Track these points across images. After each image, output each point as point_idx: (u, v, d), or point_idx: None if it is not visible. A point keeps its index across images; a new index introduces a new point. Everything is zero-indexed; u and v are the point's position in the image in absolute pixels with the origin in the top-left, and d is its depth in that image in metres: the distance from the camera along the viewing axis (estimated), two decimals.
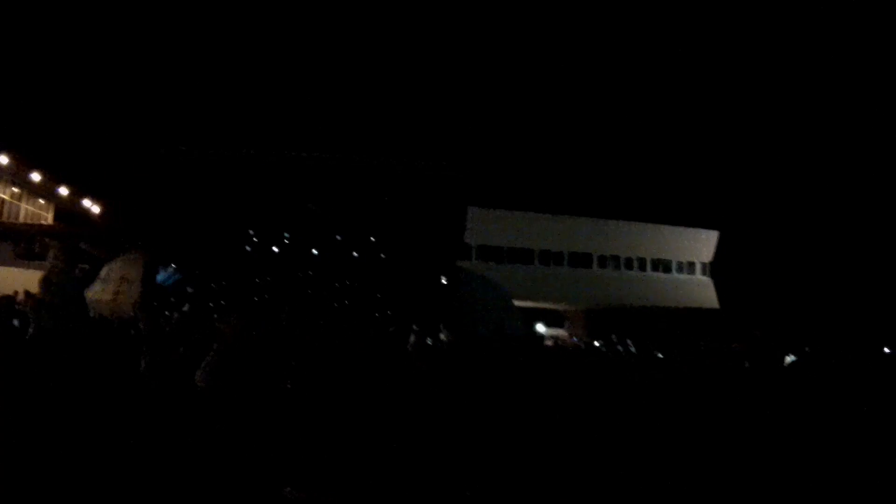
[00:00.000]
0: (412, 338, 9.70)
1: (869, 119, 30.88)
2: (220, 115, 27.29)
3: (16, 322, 8.58)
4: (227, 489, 2.67)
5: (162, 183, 27.37)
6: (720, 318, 29.65)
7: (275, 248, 26.59)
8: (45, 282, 5.06)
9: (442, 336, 11.30)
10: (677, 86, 29.69)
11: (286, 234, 26.42)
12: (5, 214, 33.04)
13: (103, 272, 27.67)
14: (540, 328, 25.61)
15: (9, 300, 9.64)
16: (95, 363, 4.70)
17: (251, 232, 26.85)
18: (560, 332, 26.30)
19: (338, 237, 25.91)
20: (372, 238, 25.73)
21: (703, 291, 29.97)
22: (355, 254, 25.91)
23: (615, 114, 28.59)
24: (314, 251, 26.08)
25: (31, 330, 4.81)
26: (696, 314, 28.58)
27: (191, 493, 2.66)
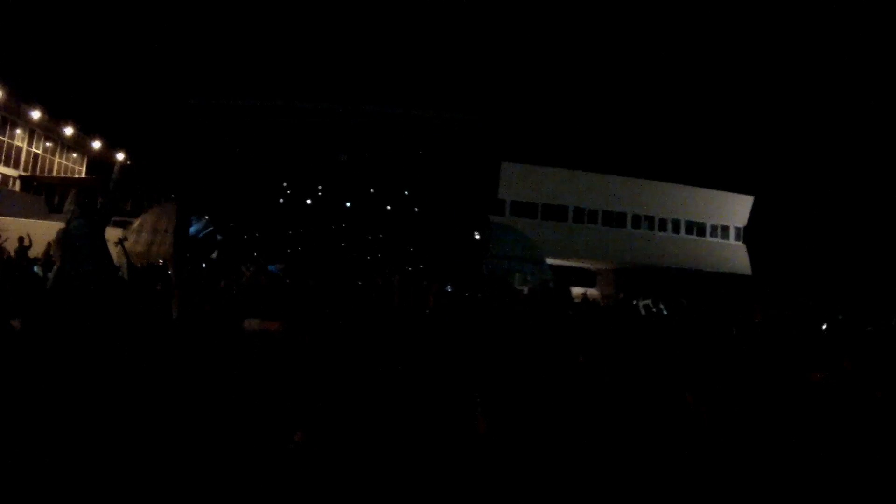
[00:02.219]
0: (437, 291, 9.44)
1: None
2: (253, 66, 27.13)
3: (36, 268, 8.64)
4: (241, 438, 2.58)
5: (195, 134, 27.45)
6: (752, 283, 29.25)
7: (308, 201, 26.65)
8: (63, 236, 5.00)
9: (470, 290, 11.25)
10: (717, 47, 28.96)
11: (319, 187, 26.46)
12: (39, 168, 33.45)
13: (136, 223, 27.99)
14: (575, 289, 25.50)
15: (24, 249, 9.73)
16: (121, 312, 4.65)
17: (284, 184, 26.93)
18: (591, 291, 26.11)
19: (371, 190, 25.91)
20: (405, 191, 25.70)
21: (736, 256, 29.55)
22: (388, 207, 25.91)
23: (657, 73, 28.00)
24: (347, 204, 26.12)
25: (49, 276, 4.78)
26: (730, 278, 28.19)
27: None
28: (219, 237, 26.02)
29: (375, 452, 2.44)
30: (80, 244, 4.70)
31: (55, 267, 4.96)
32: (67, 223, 4.83)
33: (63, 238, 4.77)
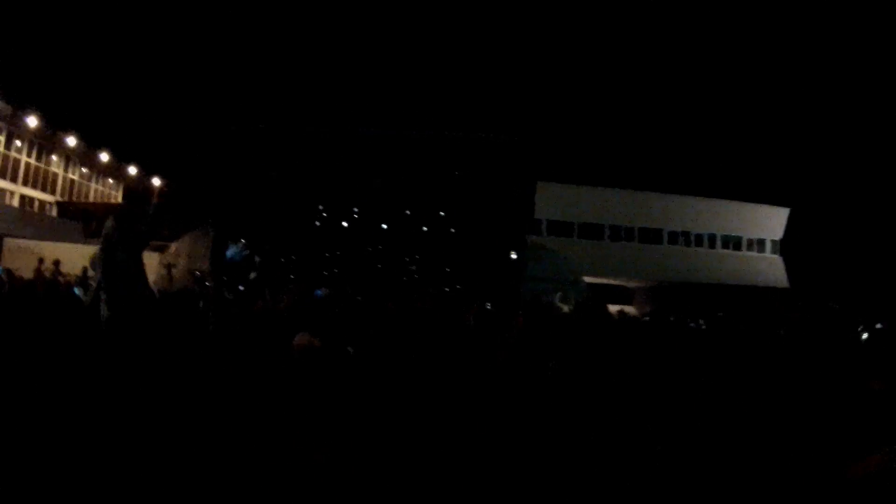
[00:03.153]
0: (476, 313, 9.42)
1: None
2: (289, 92, 27.54)
3: (77, 290, 8.83)
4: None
5: (231, 159, 27.83)
6: (791, 296, 28.90)
7: (344, 223, 26.87)
8: (100, 258, 5.11)
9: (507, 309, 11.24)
10: (751, 62, 28.84)
11: (355, 209, 26.68)
12: (75, 194, 34.14)
13: (173, 248, 28.39)
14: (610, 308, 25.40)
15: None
16: (164, 330, 4.74)
17: (320, 207, 27.18)
18: (628, 308, 25.98)
19: (407, 212, 26.06)
20: (441, 212, 25.82)
21: (773, 269, 29.24)
22: (424, 228, 26.04)
23: (688, 88, 27.95)
24: (383, 226, 26.28)
25: (87, 296, 4.88)
26: (767, 292, 27.90)
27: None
28: (257, 259, 26.34)
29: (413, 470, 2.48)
30: (120, 269, 4.78)
31: (92, 289, 5.04)
32: (106, 248, 4.90)
33: (103, 262, 4.84)
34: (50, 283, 9.24)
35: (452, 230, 26.00)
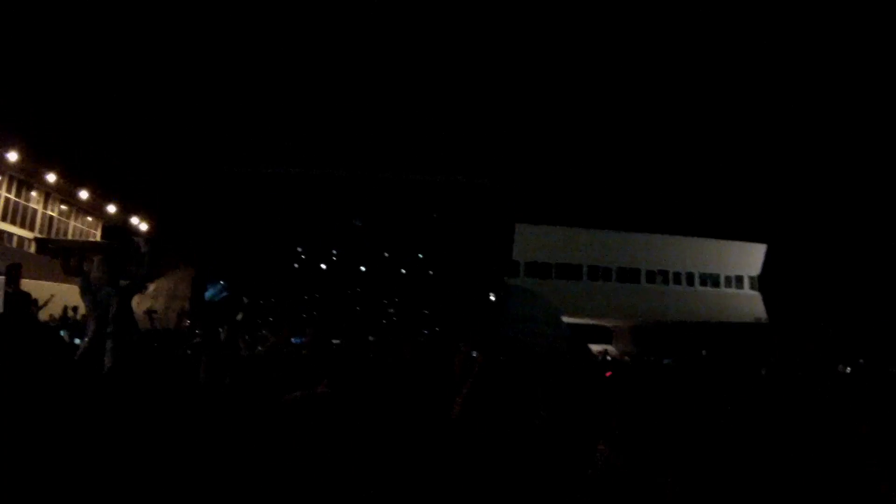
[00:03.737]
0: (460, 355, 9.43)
1: None
2: (266, 133, 27.62)
3: (63, 333, 8.72)
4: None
5: (209, 200, 27.79)
6: (770, 331, 29.10)
7: (322, 265, 26.81)
8: (88, 293, 5.04)
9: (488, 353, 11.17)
10: (724, 101, 29.36)
11: (334, 251, 26.64)
12: (54, 231, 33.84)
13: (152, 288, 28.20)
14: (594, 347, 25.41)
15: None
16: (151, 375, 4.70)
17: (299, 249, 27.13)
18: (608, 348, 26.01)
19: (385, 254, 26.06)
20: (420, 255, 25.84)
21: (751, 305, 29.46)
22: (403, 270, 26.03)
23: (662, 128, 28.36)
24: (362, 268, 26.25)
25: (84, 342, 4.80)
26: (746, 328, 28.08)
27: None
28: (245, 300, 26.15)
29: None
30: (111, 313, 4.71)
31: (88, 334, 4.91)
32: (91, 289, 4.80)
33: (92, 305, 4.75)
34: (41, 327, 9.07)
35: (431, 272, 26.01)
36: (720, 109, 29.85)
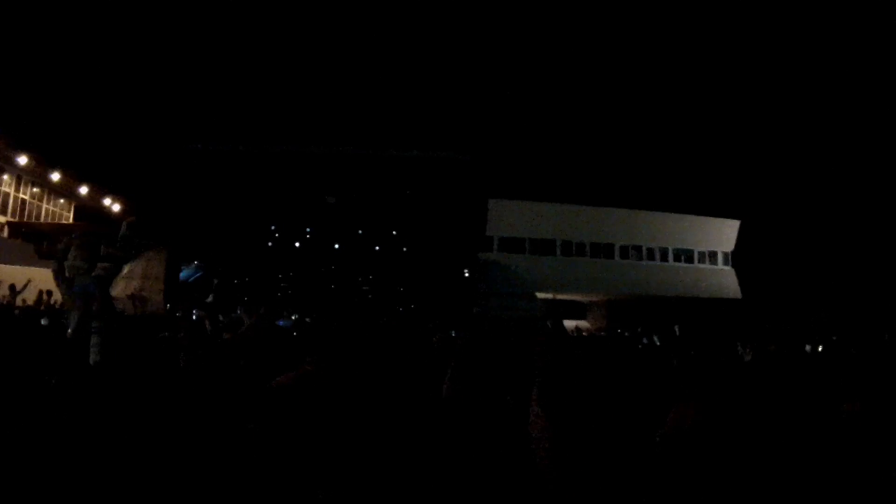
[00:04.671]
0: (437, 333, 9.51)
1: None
2: (239, 112, 27.31)
3: (44, 321, 8.61)
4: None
5: (183, 180, 27.51)
6: (744, 307, 29.42)
7: (296, 243, 26.69)
8: (63, 280, 4.95)
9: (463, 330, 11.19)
10: (700, 73, 29.41)
11: (308, 229, 26.53)
12: (27, 214, 33.37)
13: (126, 270, 27.88)
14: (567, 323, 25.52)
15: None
16: (131, 359, 4.62)
17: (273, 227, 26.98)
18: (582, 323, 26.16)
19: (359, 231, 25.99)
20: (393, 231, 25.79)
21: (725, 281, 29.73)
22: (377, 248, 25.97)
23: (637, 101, 28.38)
24: (336, 245, 26.16)
25: (70, 330, 4.70)
26: (720, 304, 28.35)
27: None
28: (215, 281, 26.03)
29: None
30: (90, 297, 4.63)
31: (73, 320, 4.83)
32: (64, 274, 4.72)
33: (67, 289, 4.68)
34: (6, 310, 8.89)
35: (405, 249, 25.99)
36: (696, 86, 29.94)
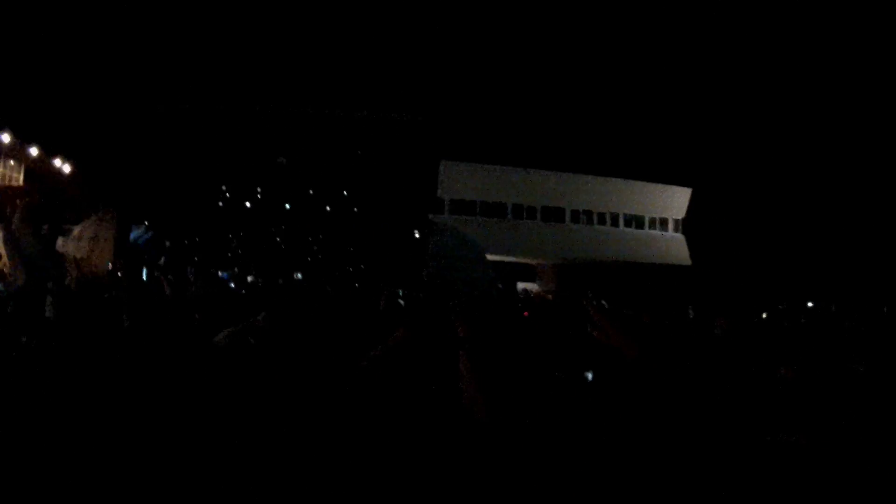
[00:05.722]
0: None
1: (847, 74, 30.98)
2: (189, 71, 26.85)
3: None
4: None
5: (132, 139, 27.08)
6: (692, 274, 30.07)
7: (247, 203, 26.56)
8: (6, 241, 4.99)
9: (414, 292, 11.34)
10: (651, 39, 29.60)
11: (258, 189, 26.39)
12: None
13: (76, 231, 27.48)
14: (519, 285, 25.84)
15: None
16: (78, 321, 4.66)
17: (223, 188, 26.78)
18: (531, 286, 26.54)
19: (310, 191, 25.94)
20: (344, 192, 25.79)
21: (675, 248, 30.35)
22: (328, 208, 25.97)
23: (591, 67, 28.49)
24: (286, 206, 26.09)
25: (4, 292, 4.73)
26: (670, 270, 28.95)
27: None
28: (167, 243, 25.80)
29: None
30: (35, 259, 4.64)
31: (15, 285, 4.85)
32: (13, 237, 4.73)
33: (16, 253, 4.68)
34: None
35: (355, 209, 26.04)
36: (651, 50, 30.15)
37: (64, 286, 4.54)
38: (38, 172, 33.62)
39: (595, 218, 28.94)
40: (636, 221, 29.85)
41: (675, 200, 30.67)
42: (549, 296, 23.58)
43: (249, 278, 17.60)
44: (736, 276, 28.31)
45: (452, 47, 25.74)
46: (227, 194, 26.71)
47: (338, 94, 25.61)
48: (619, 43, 28.57)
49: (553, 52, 27.89)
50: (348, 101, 25.60)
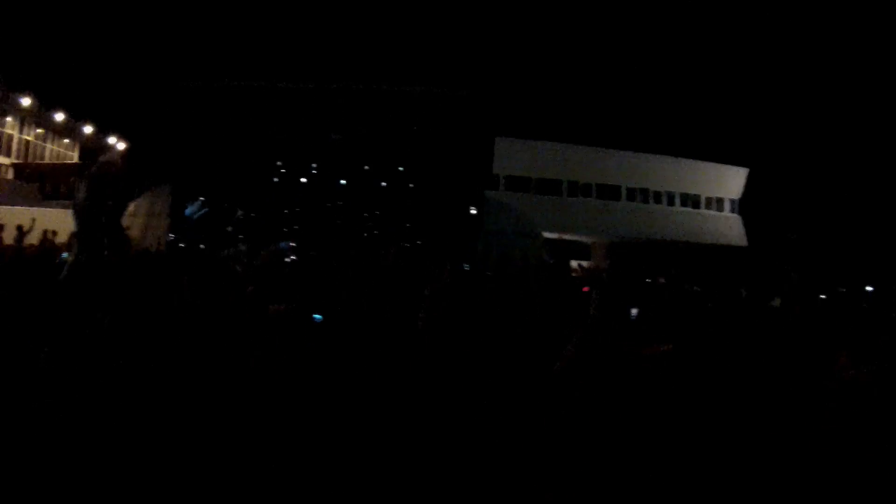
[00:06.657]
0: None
1: None
2: (245, 48, 26.97)
3: (66, 255, 8.52)
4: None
5: (188, 117, 27.34)
6: (748, 255, 29.40)
7: (303, 179, 26.65)
8: (76, 215, 4.97)
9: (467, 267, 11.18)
10: (714, 17, 28.83)
11: (314, 165, 26.45)
12: (31, 155, 33.26)
13: (131, 208, 27.91)
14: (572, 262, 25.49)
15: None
16: (137, 294, 4.64)
17: (279, 163, 26.90)
18: (585, 263, 26.17)
19: (365, 167, 25.90)
20: (400, 168, 25.69)
21: (731, 228, 29.66)
22: (383, 184, 25.92)
23: (651, 44, 27.85)
24: (342, 181, 26.11)
25: (66, 268, 4.71)
26: (725, 250, 28.34)
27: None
28: (240, 213, 25.96)
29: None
30: (98, 233, 4.66)
31: (70, 256, 4.87)
32: (81, 211, 4.76)
33: (80, 226, 4.72)
34: (45, 252, 8.82)
35: (411, 185, 25.95)
36: (711, 31, 29.41)
37: (99, 255, 4.53)
38: (94, 150, 34.20)
39: (651, 196, 28.40)
40: (692, 201, 29.22)
41: (732, 181, 29.94)
42: (604, 273, 23.24)
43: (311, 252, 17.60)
44: (792, 258, 27.61)
45: (510, 25, 25.36)
46: (283, 170, 26.86)
47: (394, 70, 25.49)
48: (681, 20, 27.91)
49: (611, 31, 27.36)
50: (404, 77, 25.47)
